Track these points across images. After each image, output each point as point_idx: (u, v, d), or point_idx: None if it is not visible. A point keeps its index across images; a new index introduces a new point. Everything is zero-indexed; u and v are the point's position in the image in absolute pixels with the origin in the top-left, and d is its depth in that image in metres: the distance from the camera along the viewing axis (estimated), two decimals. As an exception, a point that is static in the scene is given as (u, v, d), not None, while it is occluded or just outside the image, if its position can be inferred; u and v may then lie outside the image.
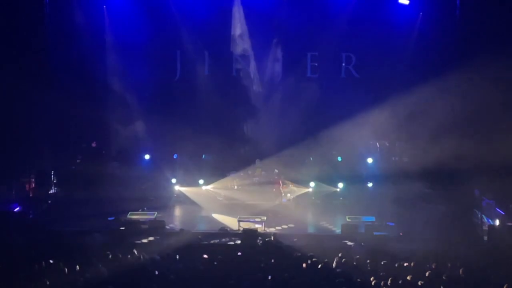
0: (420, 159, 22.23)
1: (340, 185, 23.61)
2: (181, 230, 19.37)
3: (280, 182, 23.09)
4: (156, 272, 13.80)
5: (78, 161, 24.40)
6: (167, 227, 20.15)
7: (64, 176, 23.97)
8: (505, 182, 20.57)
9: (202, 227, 20.78)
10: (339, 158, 24.39)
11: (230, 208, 22.29)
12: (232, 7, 24.41)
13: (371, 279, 13.43)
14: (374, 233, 19.35)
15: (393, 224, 20.24)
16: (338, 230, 20.02)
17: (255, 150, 24.07)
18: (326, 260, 14.83)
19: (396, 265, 14.82)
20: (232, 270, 14.05)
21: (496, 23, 21.94)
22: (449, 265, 14.95)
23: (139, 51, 24.33)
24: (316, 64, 24.93)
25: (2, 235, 17.97)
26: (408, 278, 13.53)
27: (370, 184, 23.91)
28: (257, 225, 20.18)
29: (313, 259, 14.72)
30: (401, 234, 19.43)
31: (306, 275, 13.72)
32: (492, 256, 16.39)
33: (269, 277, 13.45)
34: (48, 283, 12.89)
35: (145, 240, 18.88)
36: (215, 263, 14.76)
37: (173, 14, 24.21)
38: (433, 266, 14.77)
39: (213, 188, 23.38)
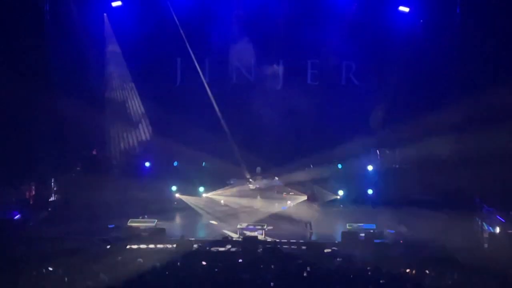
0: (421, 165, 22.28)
1: (341, 192, 23.62)
2: (182, 237, 19.34)
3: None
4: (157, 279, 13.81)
5: (78, 168, 24.37)
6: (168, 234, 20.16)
7: (64, 183, 23.97)
8: (506, 189, 20.56)
9: (203, 234, 20.78)
10: (340, 166, 24.38)
11: (230, 215, 22.28)
12: (233, 16, 24.44)
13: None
14: (375, 240, 19.35)
15: (393, 231, 20.25)
16: (338, 238, 20.00)
17: (256, 157, 24.04)
18: (327, 267, 14.80)
19: (396, 272, 14.79)
20: (232, 277, 14.03)
21: (496, 30, 21.99)
22: (449, 273, 14.91)
23: (139, 58, 24.37)
24: (317, 72, 24.95)
25: (2, 242, 17.93)
26: (408, 286, 13.52)
27: (370, 191, 23.90)
28: (257, 233, 20.16)
29: (314, 267, 14.70)
30: (401, 241, 19.42)
31: (307, 283, 13.70)
32: (493, 264, 16.34)
33: (271, 284, 13.46)
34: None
35: (145, 248, 18.84)
36: (216, 270, 14.75)
37: (174, 21, 24.23)
38: (433, 274, 14.74)
39: (214, 195, 23.36)
